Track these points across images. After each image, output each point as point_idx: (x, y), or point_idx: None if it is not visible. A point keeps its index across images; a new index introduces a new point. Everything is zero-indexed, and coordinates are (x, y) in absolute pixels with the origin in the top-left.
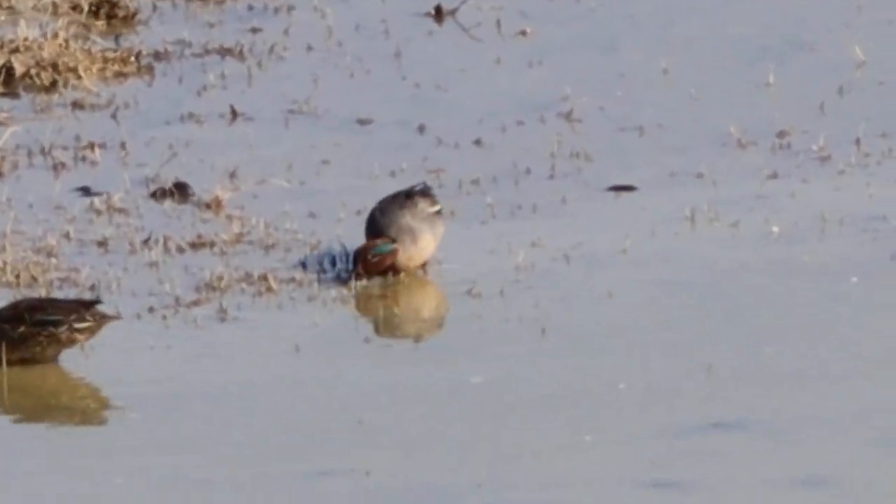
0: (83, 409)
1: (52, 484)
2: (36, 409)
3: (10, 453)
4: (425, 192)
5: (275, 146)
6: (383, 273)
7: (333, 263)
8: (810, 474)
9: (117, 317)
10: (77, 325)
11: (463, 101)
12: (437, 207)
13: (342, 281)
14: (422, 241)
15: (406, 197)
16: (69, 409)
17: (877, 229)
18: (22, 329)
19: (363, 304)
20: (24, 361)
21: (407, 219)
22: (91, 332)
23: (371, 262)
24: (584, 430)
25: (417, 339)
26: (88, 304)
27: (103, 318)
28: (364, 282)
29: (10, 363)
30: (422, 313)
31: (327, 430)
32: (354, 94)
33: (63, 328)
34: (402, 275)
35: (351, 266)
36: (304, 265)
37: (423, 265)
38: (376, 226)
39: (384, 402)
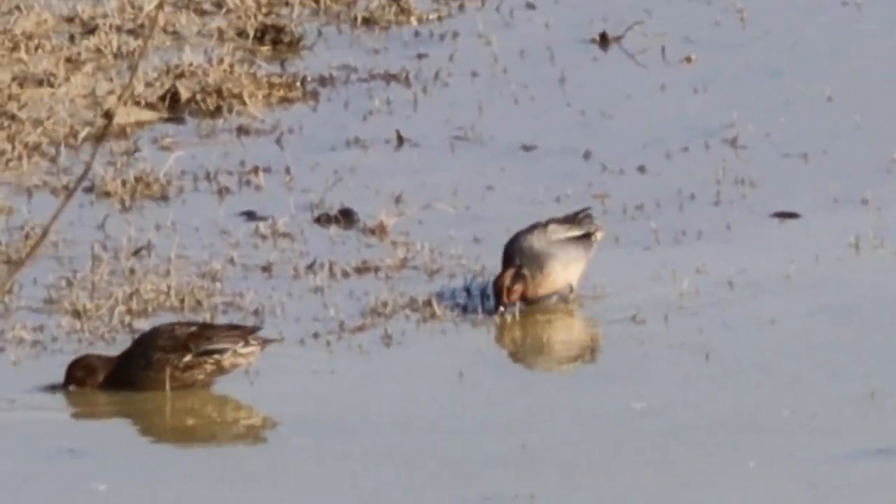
0: (248, 433)
1: (217, 501)
2: (201, 432)
3: (178, 476)
4: (567, 219)
5: (440, 172)
6: (526, 302)
7: None
8: None
9: (280, 339)
10: (241, 351)
11: (627, 127)
12: (575, 232)
13: (490, 313)
14: (548, 268)
15: (543, 224)
16: (235, 433)
17: None
18: (188, 358)
19: (527, 329)
20: (183, 386)
21: (531, 243)
22: (254, 356)
23: (510, 295)
24: (748, 455)
25: (581, 364)
26: (249, 330)
27: (265, 342)
28: (521, 307)
29: (171, 388)
30: (585, 339)
31: (491, 454)
32: (519, 121)
33: (227, 355)
34: (566, 300)
35: (494, 302)
36: (468, 291)
37: (570, 289)
38: (506, 251)
39: (547, 427)
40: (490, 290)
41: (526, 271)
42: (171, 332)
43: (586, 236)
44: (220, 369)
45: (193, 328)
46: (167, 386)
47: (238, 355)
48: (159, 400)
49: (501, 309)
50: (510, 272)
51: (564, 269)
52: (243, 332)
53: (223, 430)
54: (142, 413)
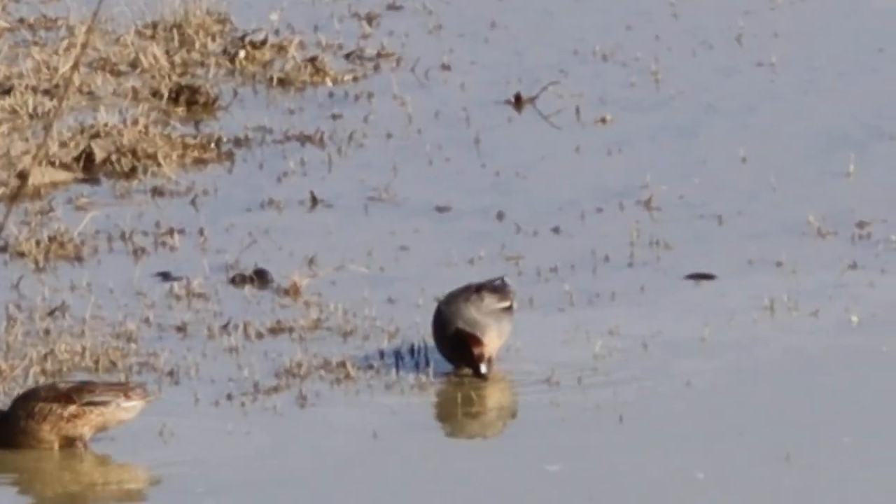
0: (160, 494)
1: None
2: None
3: None
4: (496, 288)
5: (354, 233)
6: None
7: (412, 351)
8: None
9: (160, 396)
10: (124, 405)
11: (542, 188)
12: (505, 304)
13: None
14: (487, 338)
15: (474, 291)
16: (147, 494)
17: None
18: (73, 408)
19: (441, 391)
20: (67, 442)
21: (471, 312)
22: (136, 411)
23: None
24: None
25: (495, 427)
26: (131, 386)
27: (147, 398)
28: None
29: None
30: (499, 402)
31: None
32: (434, 182)
33: (111, 408)
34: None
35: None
36: (382, 353)
37: (489, 360)
38: (441, 319)
39: (461, 490)
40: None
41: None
42: (53, 386)
43: (510, 307)
44: (104, 423)
45: (74, 383)
46: (51, 437)
47: (121, 409)
48: (44, 460)
49: (483, 373)
50: (478, 341)
51: (499, 339)
52: (125, 387)
53: (133, 490)
54: (30, 473)
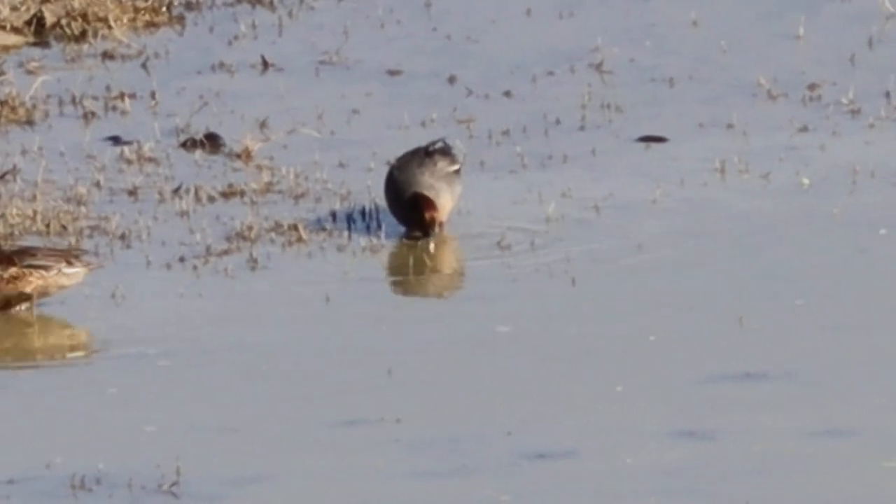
0: (113, 356)
1: (79, 425)
2: (65, 353)
3: (33, 393)
4: (445, 151)
5: (305, 96)
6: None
7: (363, 214)
8: (838, 424)
9: (102, 265)
10: (66, 272)
11: (493, 52)
12: (456, 166)
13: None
14: (441, 200)
15: (425, 155)
16: (97, 354)
17: None
18: (13, 270)
19: (393, 253)
20: (6, 303)
21: (426, 177)
22: (78, 278)
23: (435, 224)
24: (614, 380)
25: (446, 289)
26: (74, 253)
27: (89, 266)
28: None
29: None
30: (451, 264)
31: (356, 379)
32: (385, 45)
33: (52, 273)
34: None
35: (425, 232)
36: (334, 215)
37: (441, 224)
38: (395, 183)
39: (412, 352)
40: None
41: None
42: None
43: (459, 170)
44: (45, 286)
45: (17, 247)
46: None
47: (62, 275)
48: None
49: (431, 236)
50: (430, 203)
51: (451, 202)
52: (67, 254)
53: (86, 350)
54: None
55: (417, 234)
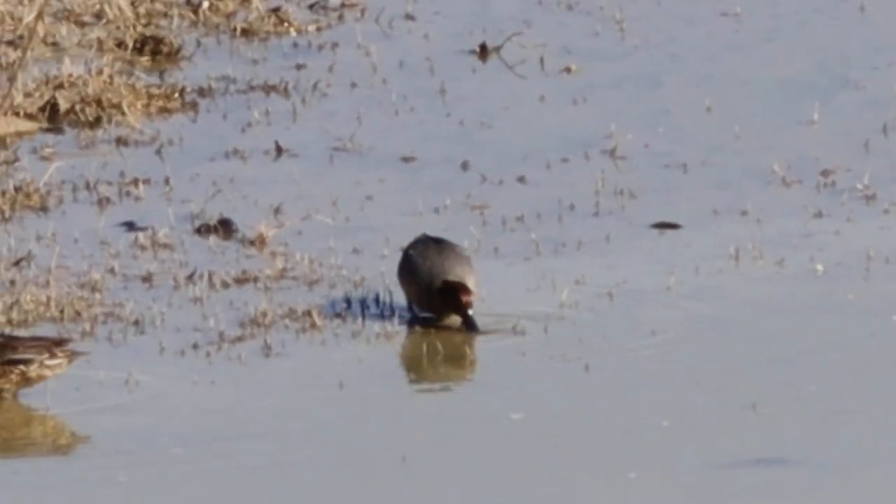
0: (125, 443)
1: None
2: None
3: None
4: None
5: (319, 183)
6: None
7: (377, 300)
8: None
9: (86, 353)
10: (47, 363)
11: (507, 138)
12: (466, 252)
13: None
14: (469, 279)
15: (436, 243)
16: (108, 442)
17: None
18: None
19: (407, 341)
20: None
21: (454, 260)
22: (61, 368)
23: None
24: (627, 466)
25: (460, 375)
26: (56, 342)
27: (73, 355)
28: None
29: None
30: (465, 351)
31: (370, 467)
32: (399, 132)
33: (34, 366)
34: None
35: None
36: (348, 302)
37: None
38: (427, 273)
39: (426, 439)
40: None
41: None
42: None
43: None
44: (26, 380)
45: (1, 339)
46: None
47: (44, 367)
48: None
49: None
50: (465, 288)
51: (475, 281)
52: (50, 344)
53: (104, 441)
54: None
55: (457, 323)
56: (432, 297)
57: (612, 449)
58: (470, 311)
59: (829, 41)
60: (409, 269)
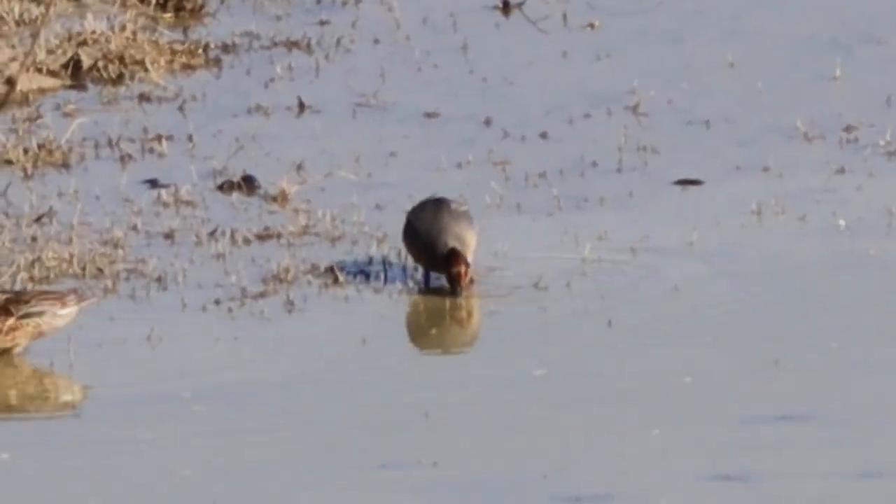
0: (148, 401)
1: (117, 469)
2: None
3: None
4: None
5: (342, 139)
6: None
7: (400, 256)
8: (875, 466)
9: (96, 300)
10: (59, 313)
11: (529, 94)
12: (465, 207)
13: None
14: (469, 238)
15: (438, 201)
16: (131, 398)
17: None
18: (11, 321)
19: (429, 296)
20: (3, 351)
21: (448, 220)
22: (71, 317)
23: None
24: (650, 423)
25: (482, 332)
26: (65, 292)
27: (81, 301)
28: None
29: None
30: (487, 307)
31: (393, 422)
32: (422, 88)
33: (46, 317)
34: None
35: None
36: (370, 258)
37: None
38: (425, 235)
39: (449, 395)
40: (444, 280)
41: (461, 251)
42: None
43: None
44: (40, 333)
45: (9, 294)
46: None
47: (57, 317)
48: None
49: (461, 292)
50: (459, 259)
51: (476, 236)
52: (59, 295)
53: (125, 394)
54: None
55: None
56: (436, 262)
57: (635, 405)
58: (461, 284)
59: None
60: (411, 234)
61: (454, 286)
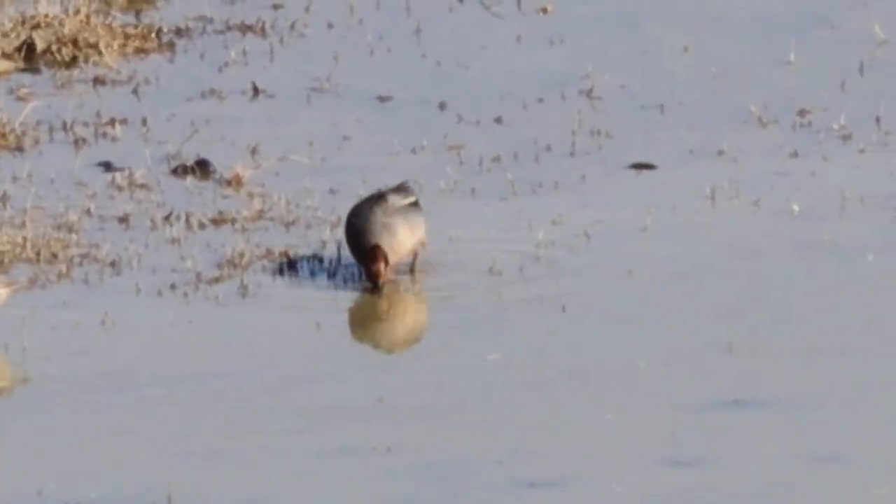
0: (103, 385)
1: (70, 452)
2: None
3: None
4: (398, 189)
5: (296, 123)
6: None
7: None
8: (828, 450)
9: (22, 283)
10: None
11: (483, 78)
12: (410, 199)
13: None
14: (400, 233)
15: (378, 197)
16: (86, 381)
17: None
18: None
19: (384, 282)
20: None
21: (378, 216)
22: (2, 299)
23: (384, 275)
24: (604, 407)
25: (436, 316)
26: None
27: (10, 285)
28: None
29: None
30: (441, 291)
31: (347, 406)
32: (375, 72)
33: None
34: (422, 256)
35: (371, 284)
36: (324, 242)
37: (416, 254)
38: (354, 229)
39: (403, 380)
40: (362, 274)
41: (384, 246)
42: None
43: (416, 203)
44: None
45: None
46: None
47: None
48: None
49: (380, 287)
50: (378, 256)
51: (412, 231)
52: None
53: (80, 377)
54: None
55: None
56: (361, 257)
57: (589, 390)
58: (379, 281)
59: None
60: (345, 233)
61: (373, 283)
